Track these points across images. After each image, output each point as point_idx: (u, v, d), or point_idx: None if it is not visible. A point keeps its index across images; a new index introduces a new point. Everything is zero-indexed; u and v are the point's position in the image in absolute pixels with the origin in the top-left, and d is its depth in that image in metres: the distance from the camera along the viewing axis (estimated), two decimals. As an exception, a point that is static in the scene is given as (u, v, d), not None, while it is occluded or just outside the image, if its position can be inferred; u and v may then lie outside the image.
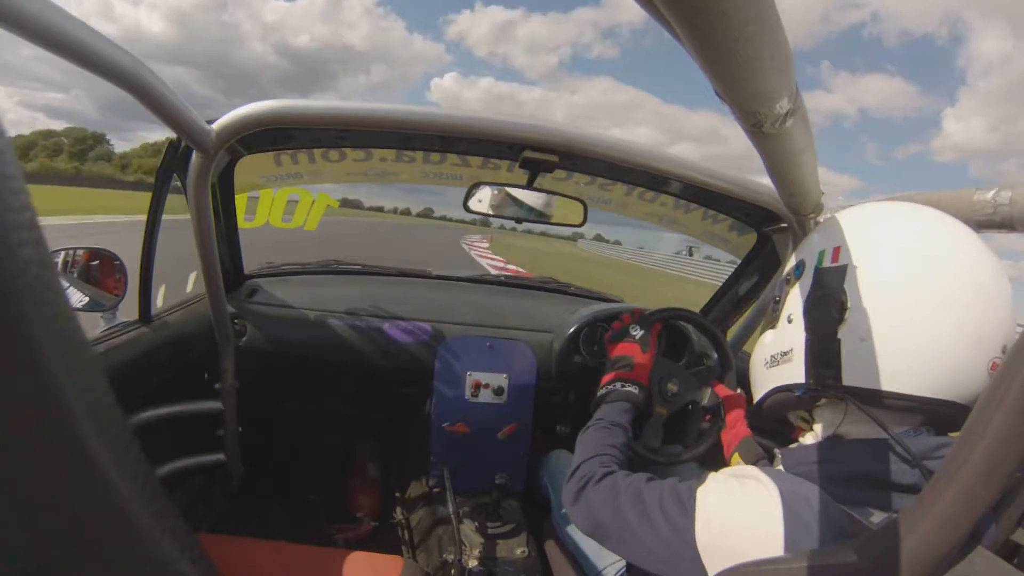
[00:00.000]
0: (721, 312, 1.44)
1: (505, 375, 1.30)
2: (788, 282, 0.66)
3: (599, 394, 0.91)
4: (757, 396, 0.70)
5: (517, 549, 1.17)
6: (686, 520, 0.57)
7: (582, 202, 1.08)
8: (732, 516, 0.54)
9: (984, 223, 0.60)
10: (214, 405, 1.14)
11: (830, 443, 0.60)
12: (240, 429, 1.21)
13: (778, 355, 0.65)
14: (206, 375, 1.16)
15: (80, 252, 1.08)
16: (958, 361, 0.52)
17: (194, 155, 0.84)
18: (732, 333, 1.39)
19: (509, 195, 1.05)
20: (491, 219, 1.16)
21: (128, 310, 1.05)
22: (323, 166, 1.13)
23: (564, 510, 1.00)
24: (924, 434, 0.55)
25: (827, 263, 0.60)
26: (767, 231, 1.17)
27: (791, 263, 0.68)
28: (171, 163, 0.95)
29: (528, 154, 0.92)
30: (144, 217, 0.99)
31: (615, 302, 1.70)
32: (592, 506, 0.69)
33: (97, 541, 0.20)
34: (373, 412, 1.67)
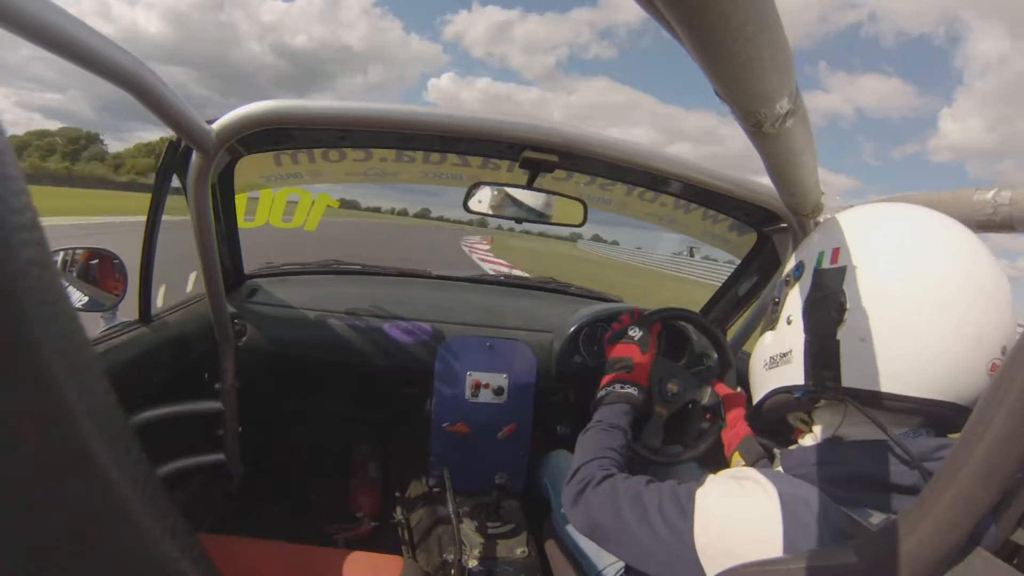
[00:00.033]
0: (721, 312, 1.44)
1: (505, 375, 1.30)
2: (787, 283, 0.66)
3: (598, 396, 0.91)
4: (756, 397, 0.70)
5: (517, 549, 1.17)
6: (685, 522, 0.57)
7: (582, 202, 1.08)
8: (731, 518, 0.54)
9: (984, 223, 0.60)
10: (214, 405, 1.14)
11: (829, 444, 0.60)
12: (240, 429, 1.21)
13: (777, 356, 0.65)
14: (206, 375, 1.16)
15: (80, 252, 1.08)
16: (957, 362, 0.52)
17: (194, 155, 0.84)
18: (732, 333, 1.39)
19: (509, 195, 1.05)
20: (489, 219, 1.16)
21: (128, 310, 1.05)
22: (323, 166, 1.13)
23: (564, 510, 1.00)
24: (924, 435, 0.55)
25: (826, 264, 0.60)
26: (767, 231, 1.17)
27: (790, 264, 0.68)
28: (171, 163, 0.95)
29: (528, 154, 0.92)
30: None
31: (615, 302, 1.70)
32: (591, 509, 0.69)
33: (97, 541, 0.20)
34: (373, 412, 1.67)
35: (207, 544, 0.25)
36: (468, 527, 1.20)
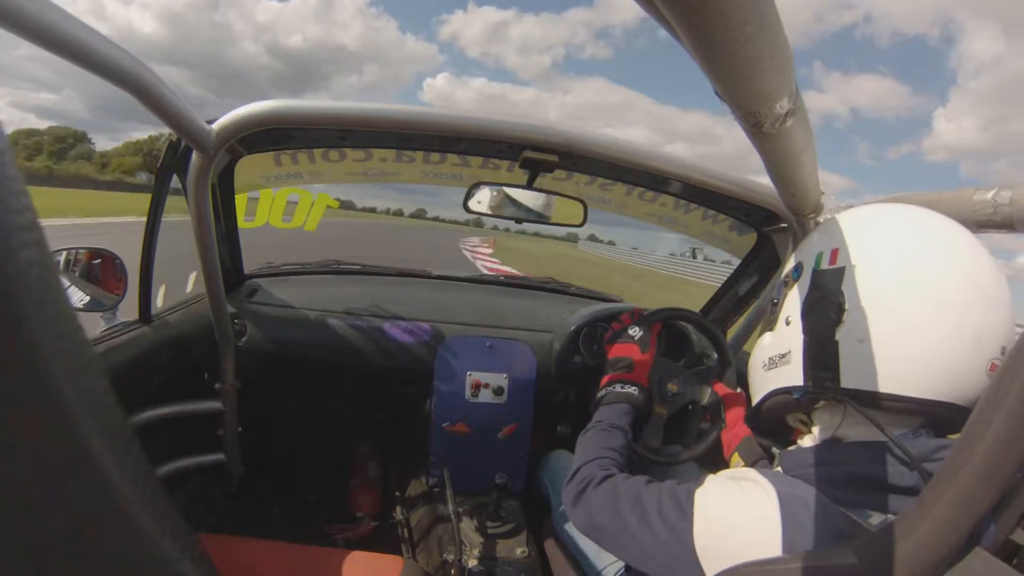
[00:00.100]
0: (721, 312, 1.44)
1: (505, 375, 1.30)
2: (786, 284, 0.66)
3: (598, 396, 0.91)
4: (756, 398, 0.70)
5: (517, 549, 1.17)
6: (684, 523, 0.57)
7: (582, 202, 1.08)
8: (730, 518, 0.54)
9: (984, 223, 0.60)
10: (214, 405, 1.14)
11: (829, 445, 0.60)
12: (240, 429, 1.21)
13: (776, 357, 0.65)
14: (206, 375, 1.16)
15: (82, 252, 1.08)
16: (957, 363, 0.52)
17: (194, 155, 0.84)
18: (732, 333, 1.39)
19: (509, 195, 1.05)
20: (486, 219, 1.16)
21: (128, 310, 1.05)
22: (323, 166, 1.13)
23: (564, 510, 1.00)
24: (923, 436, 0.55)
25: (825, 265, 0.60)
26: (767, 231, 1.17)
27: (789, 265, 0.68)
28: (171, 163, 0.95)
29: (528, 154, 0.92)
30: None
31: (615, 302, 1.70)
32: (592, 509, 0.69)
33: (97, 541, 0.20)
34: (373, 412, 1.67)
35: (207, 544, 0.25)
36: (468, 527, 1.20)
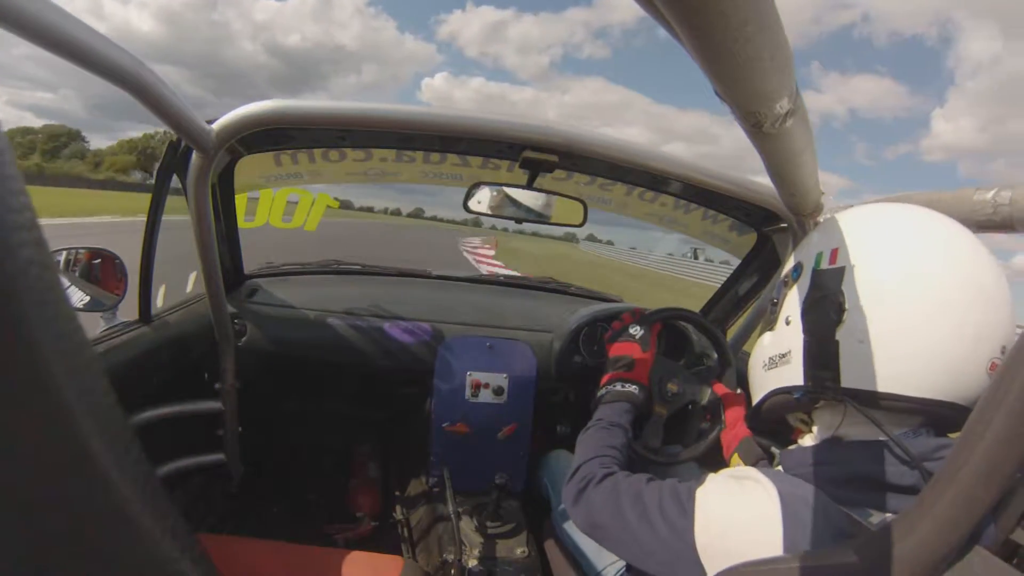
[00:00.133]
0: (721, 312, 1.44)
1: (505, 375, 1.30)
2: (786, 284, 0.66)
3: (599, 394, 0.91)
4: (756, 398, 0.70)
5: (517, 549, 1.17)
6: (685, 521, 0.57)
7: (582, 202, 1.08)
8: (731, 517, 0.54)
9: (984, 223, 0.60)
10: (214, 405, 1.14)
11: (829, 445, 0.60)
12: (240, 429, 1.21)
13: (776, 357, 0.65)
14: (206, 375, 1.16)
15: (82, 251, 1.08)
16: (957, 362, 0.52)
17: (194, 155, 0.84)
18: (732, 333, 1.39)
19: (509, 195, 1.05)
20: (485, 219, 1.16)
21: (128, 310, 1.05)
22: (323, 166, 1.13)
23: (564, 509, 1.00)
24: (923, 435, 0.55)
25: (825, 265, 0.60)
26: (767, 231, 1.17)
27: (789, 265, 0.67)
28: (171, 163, 0.95)
29: (528, 154, 0.92)
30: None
31: (615, 302, 1.70)
32: (592, 507, 0.69)
33: (97, 541, 0.20)
34: (373, 412, 1.67)
35: (207, 544, 0.25)
36: (468, 527, 1.20)
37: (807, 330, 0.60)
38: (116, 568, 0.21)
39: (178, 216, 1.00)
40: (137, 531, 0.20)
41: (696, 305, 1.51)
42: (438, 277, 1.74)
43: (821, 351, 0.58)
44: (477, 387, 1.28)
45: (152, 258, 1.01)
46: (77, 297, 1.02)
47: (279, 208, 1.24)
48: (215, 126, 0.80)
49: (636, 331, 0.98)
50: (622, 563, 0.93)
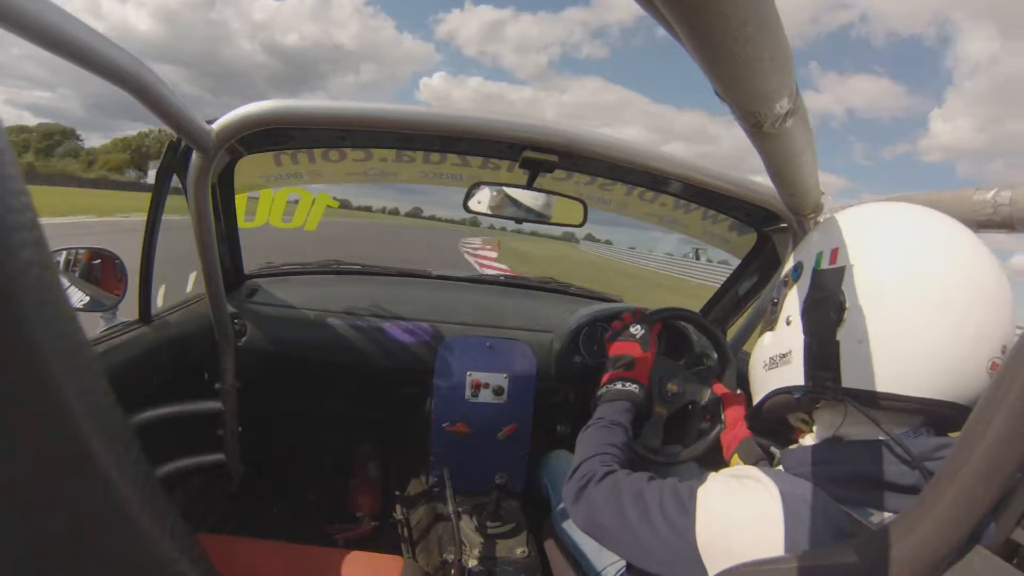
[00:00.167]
0: (721, 312, 1.44)
1: (505, 375, 1.29)
2: (786, 284, 0.66)
3: (599, 393, 0.91)
4: (756, 398, 0.70)
5: (517, 549, 1.17)
6: (686, 520, 0.57)
7: (582, 202, 1.08)
8: (732, 516, 0.54)
9: (984, 223, 0.60)
10: (214, 405, 1.14)
11: (830, 444, 0.60)
12: (240, 429, 1.21)
13: (777, 357, 0.65)
14: (206, 375, 1.16)
15: (82, 252, 1.09)
16: (958, 362, 0.52)
17: (194, 155, 0.84)
18: (732, 333, 1.39)
19: (509, 195, 1.05)
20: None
21: (128, 310, 1.05)
22: (323, 166, 1.13)
23: (563, 509, 1.00)
24: (924, 435, 0.55)
25: (825, 264, 0.60)
26: (767, 231, 1.17)
27: (789, 265, 0.67)
28: (171, 163, 0.95)
29: (528, 154, 0.92)
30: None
31: (615, 302, 1.70)
32: (593, 505, 0.69)
33: (97, 541, 0.20)
34: (373, 412, 1.67)
35: (207, 544, 0.25)
36: (468, 527, 1.20)
37: (808, 330, 0.60)
38: (116, 568, 0.21)
39: (178, 216, 1.01)
40: (137, 531, 0.20)
41: (699, 307, 1.51)
42: (438, 277, 1.74)
43: (822, 351, 0.58)
44: (477, 387, 1.28)
45: (152, 258, 1.01)
46: (77, 297, 1.02)
47: (279, 208, 1.24)
48: (215, 126, 0.80)
49: (636, 330, 0.97)
50: (622, 563, 0.93)
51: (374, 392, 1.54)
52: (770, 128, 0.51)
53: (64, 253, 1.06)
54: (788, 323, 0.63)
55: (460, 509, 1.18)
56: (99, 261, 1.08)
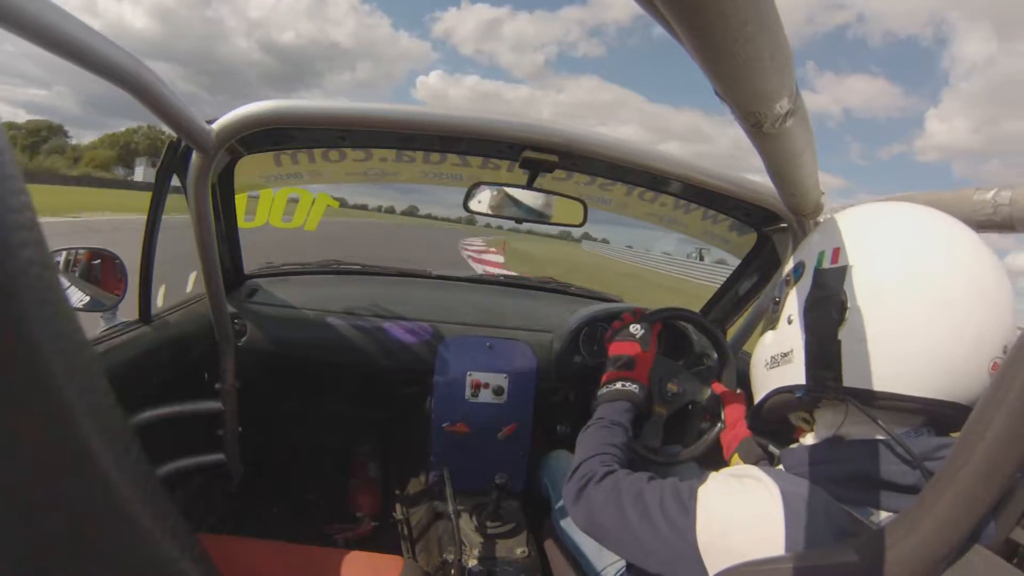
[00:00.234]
0: (721, 312, 1.44)
1: (505, 375, 1.29)
2: (788, 283, 0.66)
3: (599, 393, 0.91)
4: (757, 397, 0.70)
5: (517, 549, 1.17)
6: (687, 520, 0.57)
7: (582, 202, 1.08)
8: (733, 516, 0.54)
9: (984, 223, 0.60)
10: (214, 405, 1.14)
11: (831, 444, 0.60)
12: (240, 429, 1.21)
13: (778, 356, 0.65)
14: (206, 375, 1.16)
15: (82, 252, 1.09)
16: (959, 362, 0.52)
17: (194, 155, 0.84)
18: (732, 333, 1.39)
19: (509, 195, 1.05)
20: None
21: (128, 310, 1.05)
22: (323, 166, 1.13)
23: (564, 510, 1.00)
24: (925, 435, 0.55)
25: (827, 264, 0.60)
26: (767, 231, 1.17)
27: (790, 264, 0.67)
28: (171, 163, 0.95)
29: (528, 154, 0.92)
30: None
31: (615, 302, 1.70)
32: (593, 505, 0.69)
33: (98, 541, 0.20)
34: (373, 412, 1.67)
35: (207, 544, 0.25)
36: (468, 527, 1.20)
37: (809, 329, 0.60)
38: (116, 568, 0.21)
39: (178, 216, 1.01)
40: (137, 531, 0.20)
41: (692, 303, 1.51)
42: (438, 277, 1.74)
43: (823, 350, 0.58)
44: (477, 387, 1.28)
45: (152, 258, 1.01)
46: (77, 297, 1.02)
47: (279, 208, 1.24)
48: (215, 126, 0.80)
49: (637, 330, 0.97)
50: (622, 563, 0.93)
51: (374, 392, 1.54)
52: (770, 128, 0.51)
53: (64, 253, 1.06)
54: (789, 322, 0.63)
55: (460, 509, 1.18)
56: (99, 261, 1.08)
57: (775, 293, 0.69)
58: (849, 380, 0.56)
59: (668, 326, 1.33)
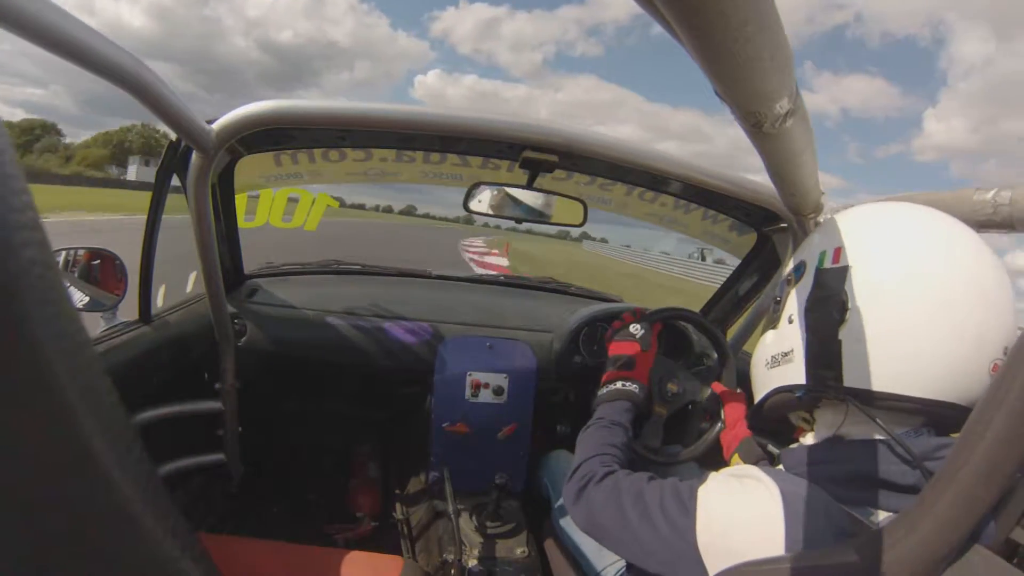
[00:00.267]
0: (721, 312, 1.44)
1: (505, 375, 1.29)
2: (789, 283, 0.66)
3: (599, 393, 0.91)
4: (758, 396, 0.70)
5: (517, 549, 1.17)
6: (687, 520, 0.57)
7: (582, 202, 1.08)
8: (733, 516, 0.54)
9: (984, 223, 0.60)
10: (214, 405, 1.14)
11: (831, 443, 0.60)
12: (240, 429, 1.21)
13: (779, 355, 0.65)
14: (206, 375, 1.16)
15: (81, 252, 1.08)
16: (959, 363, 0.52)
17: (194, 155, 0.84)
18: (732, 333, 1.39)
19: (509, 195, 1.05)
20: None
21: (128, 310, 1.05)
22: (323, 166, 1.13)
23: (564, 510, 1.00)
24: (925, 435, 0.55)
25: (828, 264, 0.60)
26: (767, 231, 1.17)
27: (791, 264, 0.67)
28: (171, 163, 0.95)
29: (528, 154, 0.92)
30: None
31: (615, 302, 1.71)
32: (593, 506, 0.69)
33: (99, 541, 0.20)
34: (373, 412, 1.67)
35: (207, 544, 0.25)
36: (468, 527, 1.20)
37: (810, 329, 0.60)
38: (117, 568, 0.21)
39: (178, 215, 1.01)
40: (139, 530, 0.20)
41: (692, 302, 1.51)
42: (438, 277, 1.74)
43: (823, 350, 0.58)
44: (477, 387, 1.28)
45: (152, 258, 1.01)
46: (77, 297, 1.02)
47: (279, 208, 1.25)
48: (215, 126, 0.80)
49: (637, 330, 0.98)
50: (622, 563, 0.93)
51: (374, 392, 1.54)
52: (770, 128, 0.51)
53: (63, 253, 1.06)
54: (790, 322, 0.63)
55: (460, 509, 1.18)
56: (98, 261, 1.08)
57: (776, 293, 0.69)
58: (849, 380, 0.56)
59: (668, 326, 1.33)
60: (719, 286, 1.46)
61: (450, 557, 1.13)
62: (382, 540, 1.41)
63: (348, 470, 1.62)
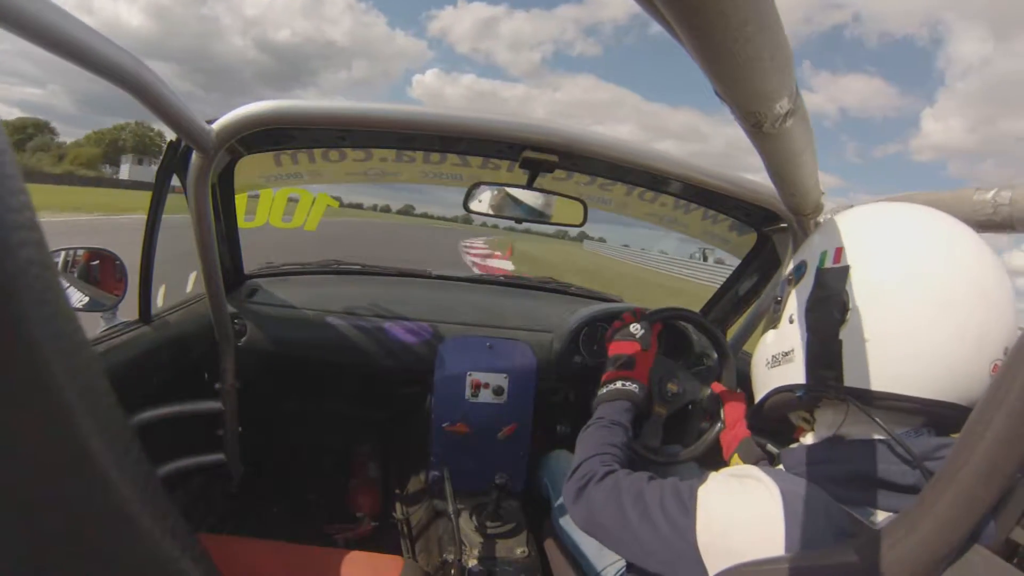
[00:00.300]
0: (721, 312, 1.44)
1: (505, 375, 1.29)
2: (789, 282, 0.66)
3: (599, 393, 0.91)
4: (758, 396, 0.70)
5: (517, 549, 1.17)
6: (687, 520, 0.57)
7: (582, 202, 1.08)
8: (733, 516, 0.54)
9: (984, 223, 0.60)
10: (214, 405, 1.14)
11: (831, 443, 0.60)
12: (240, 429, 1.21)
13: (779, 355, 0.65)
14: (206, 375, 1.16)
15: (80, 252, 1.08)
16: (960, 363, 0.52)
17: (194, 155, 0.84)
18: (732, 333, 1.39)
19: (509, 195, 1.05)
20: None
21: (128, 310, 1.05)
22: (323, 166, 1.13)
23: (564, 509, 1.00)
24: (925, 435, 0.55)
25: (829, 264, 0.60)
26: (767, 231, 1.17)
27: (792, 264, 0.67)
28: (171, 163, 0.95)
29: (528, 154, 0.92)
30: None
31: (615, 302, 1.71)
32: (593, 505, 0.69)
33: (97, 541, 0.20)
34: (373, 412, 1.67)
35: (207, 544, 0.25)
36: (468, 527, 1.20)
37: (810, 329, 0.60)
38: (116, 568, 0.21)
39: (178, 215, 1.01)
40: (137, 531, 0.20)
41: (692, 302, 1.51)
42: (438, 277, 1.74)
43: (824, 350, 0.58)
44: (477, 387, 1.28)
45: (152, 258, 1.01)
46: (76, 298, 1.02)
47: (279, 208, 1.25)
48: (215, 126, 0.80)
49: (637, 330, 0.98)
50: (622, 563, 0.93)
51: (374, 392, 1.54)
52: (770, 128, 0.51)
53: (63, 253, 1.06)
54: (791, 321, 0.63)
55: (460, 509, 1.18)
56: (98, 262, 1.08)
57: (776, 292, 0.69)
58: (850, 380, 0.55)
59: (668, 326, 1.33)
60: (716, 285, 1.46)
61: (450, 557, 1.13)
62: (382, 540, 1.41)
63: (348, 470, 1.62)
